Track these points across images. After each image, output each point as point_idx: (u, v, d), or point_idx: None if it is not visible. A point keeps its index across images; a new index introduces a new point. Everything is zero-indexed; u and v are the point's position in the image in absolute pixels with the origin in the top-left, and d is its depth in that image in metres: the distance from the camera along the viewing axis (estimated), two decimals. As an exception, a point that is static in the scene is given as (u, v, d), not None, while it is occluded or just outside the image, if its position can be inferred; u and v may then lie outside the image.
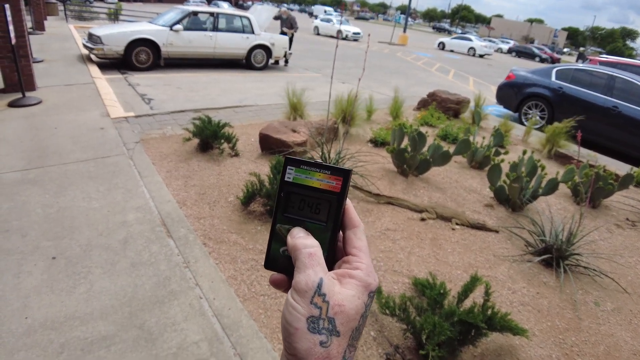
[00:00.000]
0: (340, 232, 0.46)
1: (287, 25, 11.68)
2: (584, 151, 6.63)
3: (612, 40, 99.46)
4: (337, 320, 0.37)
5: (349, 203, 0.46)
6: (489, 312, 2.12)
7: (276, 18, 11.94)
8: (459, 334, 2.09)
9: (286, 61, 11.87)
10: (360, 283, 0.40)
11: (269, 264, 0.46)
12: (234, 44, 9.93)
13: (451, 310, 2.10)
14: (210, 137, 4.47)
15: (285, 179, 0.46)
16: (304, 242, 0.41)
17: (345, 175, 0.44)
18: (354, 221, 0.45)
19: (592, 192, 4.34)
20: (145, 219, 3.22)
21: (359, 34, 27.60)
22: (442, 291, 2.27)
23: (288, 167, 0.46)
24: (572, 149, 6.35)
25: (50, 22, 14.82)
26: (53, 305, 2.27)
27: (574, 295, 2.98)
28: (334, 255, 0.46)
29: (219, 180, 4.02)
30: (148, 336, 2.14)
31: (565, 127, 6.16)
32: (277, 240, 0.46)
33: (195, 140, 4.69)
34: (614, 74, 7.40)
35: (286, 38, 10.89)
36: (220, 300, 2.47)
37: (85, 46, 8.51)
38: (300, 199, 0.45)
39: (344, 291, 0.38)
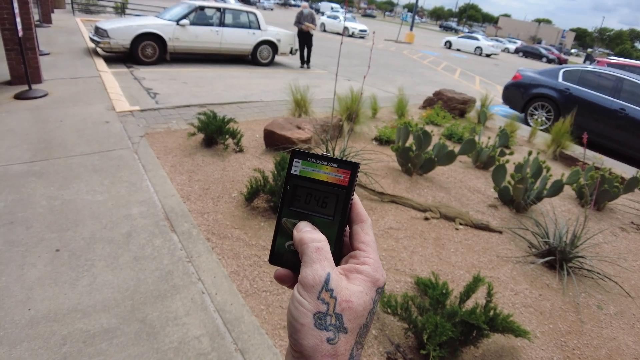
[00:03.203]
0: (347, 227, 0.46)
1: (309, 20, 10.49)
2: (590, 153, 6.58)
3: (621, 42, 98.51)
4: (345, 316, 0.36)
5: (356, 197, 0.45)
6: (491, 313, 2.11)
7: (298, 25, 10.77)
8: (461, 335, 2.09)
9: (308, 61, 10.99)
10: (368, 278, 0.39)
11: (273, 259, 0.46)
12: (240, 39, 9.93)
13: (453, 311, 2.10)
14: (215, 133, 4.47)
15: (292, 171, 0.45)
16: (311, 236, 0.41)
17: (353, 168, 0.44)
18: (361, 216, 0.44)
19: (597, 195, 4.31)
20: (149, 213, 3.23)
21: (365, 31, 27.48)
22: (444, 291, 2.26)
23: (295, 159, 0.45)
24: (577, 150, 6.31)
25: (57, 15, 14.85)
26: (56, 297, 2.28)
27: (577, 298, 2.96)
28: (341, 250, 0.45)
29: (223, 175, 4.03)
30: (150, 330, 2.14)
31: (569, 127, 6.11)
32: (282, 234, 0.45)
33: (200, 135, 4.70)
34: (622, 76, 7.34)
35: (292, 34, 10.79)
36: (222, 295, 2.48)
37: (91, 39, 8.53)
38: (307, 192, 0.45)
39: (352, 287, 0.38)
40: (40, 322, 2.11)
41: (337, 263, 0.42)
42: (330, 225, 0.44)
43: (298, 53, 11.14)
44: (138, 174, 3.81)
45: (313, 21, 10.55)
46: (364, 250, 0.42)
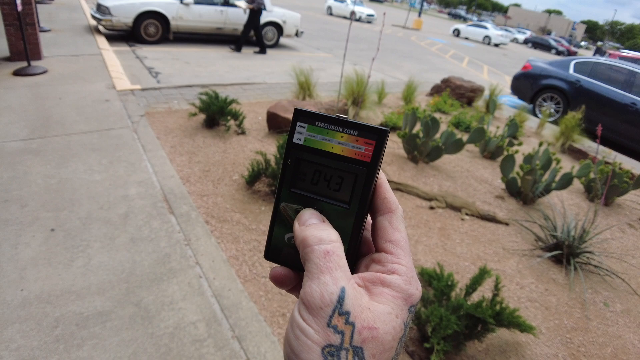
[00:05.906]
0: (369, 217, 0.35)
1: None
2: (599, 147, 6.45)
3: (632, 36, 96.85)
4: (367, 350, 0.26)
5: (383, 177, 0.34)
6: (498, 307, 2.04)
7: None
8: (466, 328, 2.02)
9: (262, 48, 9.36)
10: (398, 294, 0.29)
11: (270, 254, 0.36)
12: (245, 19, 9.69)
13: (458, 303, 2.03)
14: (216, 113, 4.36)
15: (295, 140, 0.34)
16: (318, 234, 0.30)
17: (380, 137, 0.33)
18: (390, 203, 0.34)
19: (607, 190, 4.21)
20: (147, 193, 3.14)
21: (372, 15, 27.05)
22: (449, 283, 2.19)
23: (299, 123, 0.34)
24: (586, 144, 6.18)
25: (59, -9, 14.55)
26: (50, 278, 2.22)
27: (583, 294, 2.89)
28: (358, 249, 0.34)
29: (224, 157, 3.93)
30: (145, 314, 2.08)
31: (578, 119, 5.97)
32: (281, 223, 0.35)
33: (202, 116, 4.59)
34: (635, 70, 7.14)
35: (298, 16, 10.49)
36: (220, 280, 2.41)
37: (93, 17, 8.33)
38: (314, 169, 0.34)
39: (376, 307, 0.28)
40: (32, 303, 2.05)
41: (353, 268, 0.32)
42: (345, 215, 0.33)
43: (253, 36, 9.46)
44: (137, 154, 3.72)
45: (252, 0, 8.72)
46: (393, 252, 0.31)
